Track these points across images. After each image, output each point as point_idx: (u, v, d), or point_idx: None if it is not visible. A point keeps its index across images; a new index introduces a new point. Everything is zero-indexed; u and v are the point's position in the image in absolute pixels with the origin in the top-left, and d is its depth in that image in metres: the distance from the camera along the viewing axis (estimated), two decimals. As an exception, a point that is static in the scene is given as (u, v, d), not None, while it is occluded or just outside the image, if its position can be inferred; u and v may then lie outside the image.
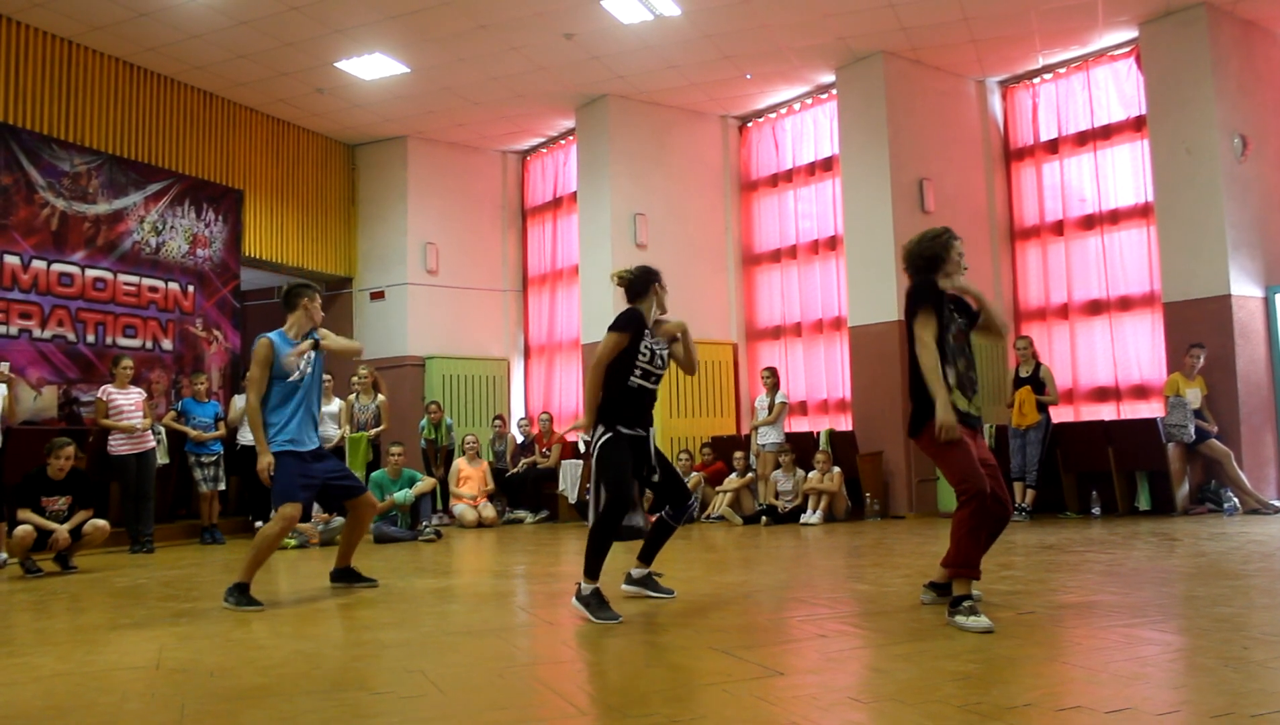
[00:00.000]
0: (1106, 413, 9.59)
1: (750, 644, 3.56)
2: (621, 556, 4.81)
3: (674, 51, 9.83)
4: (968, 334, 4.10)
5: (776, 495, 9.40)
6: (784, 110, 11.46)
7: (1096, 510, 8.55)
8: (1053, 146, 10.29)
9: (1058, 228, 10.19)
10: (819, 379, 11.04)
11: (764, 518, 9.25)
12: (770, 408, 9.77)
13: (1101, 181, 9.86)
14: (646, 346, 4.39)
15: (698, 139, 11.63)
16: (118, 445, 7.94)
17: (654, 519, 4.69)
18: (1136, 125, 9.55)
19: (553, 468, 10.79)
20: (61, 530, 6.45)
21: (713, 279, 11.59)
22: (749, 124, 11.90)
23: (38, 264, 8.81)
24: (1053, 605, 4.12)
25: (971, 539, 3.80)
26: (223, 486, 8.90)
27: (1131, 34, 9.39)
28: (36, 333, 8.73)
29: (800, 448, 9.70)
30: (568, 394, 12.26)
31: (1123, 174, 9.71)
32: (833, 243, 10.89)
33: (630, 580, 4.70)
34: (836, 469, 9.25)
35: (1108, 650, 3.21)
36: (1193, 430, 8.22)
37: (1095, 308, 9.84)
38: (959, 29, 9.29)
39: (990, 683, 2.83)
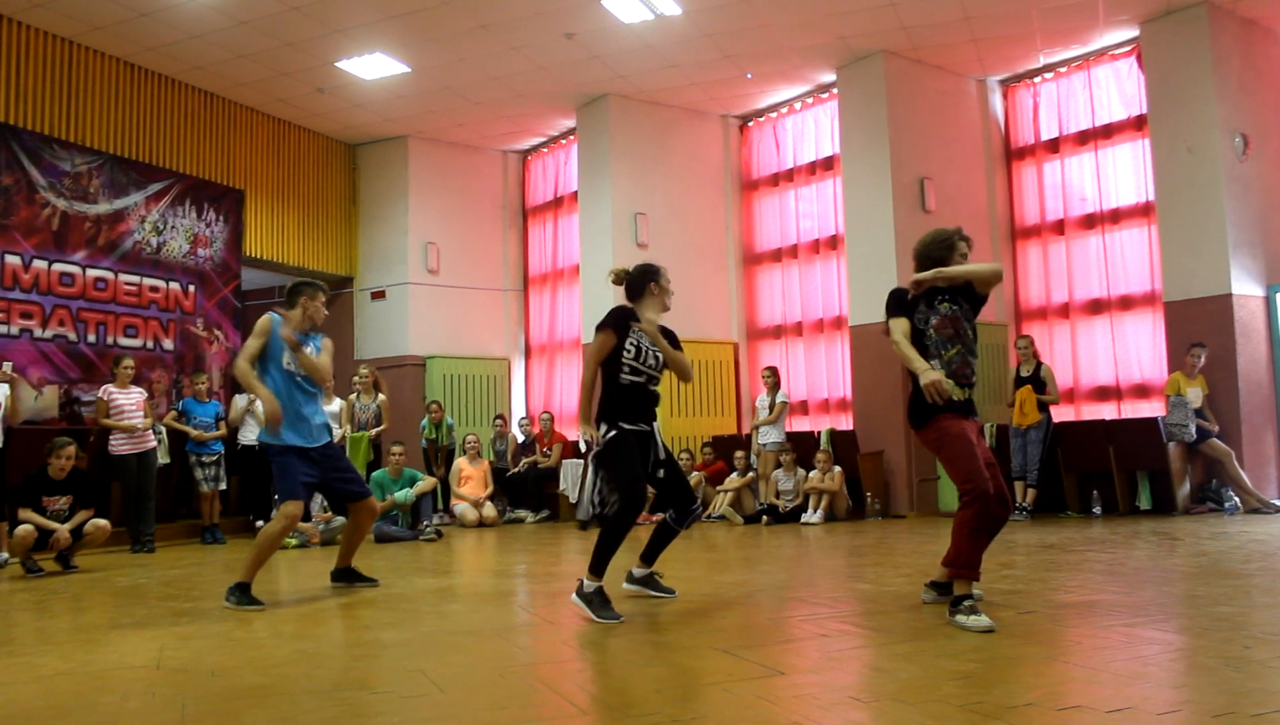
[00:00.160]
0: (1107, 412, 9.59)
1: (751, 643, 3.55)
2: (623, 556, 4.80)
3: (675, 51, 9.83)
4: (964, 321, 4.04)
5: (777, 495, 9.40)
6: (785, 110, 11.46)
7: (1097, 509, 8.54)
8: (1054, 146, 10.29)
9: (1059, 227, 10.18)
10: (820, 378, 11.03)
11: (765, 517, 9.25)
12: (771, 407, 9.77)
13: (1102, 181, 9.85)
14: (633, 343, 4.35)
15: (698, 138, 11.63)
16: (119, 445, 7.94)
17: (657, 520, 4.66)
18: (1137, 124, 9.55)
19: (554, 467, 10.80)
20: (62, 530, 6.45)
21: (713, 278, 11.58)
22: (750, 123, 11.89)
23: (39, 264, 8.81)
24: (1053, 605, 4.12)
25: (972, 540, 3.80)
26: (224, 486, 8.91)
27: (1132, 33, 9.38)
28: (37, 332, 8.74)
29: (801, 447, 9.70)
30: (568, 393, 12.26)
31: (1124, 173, 9.70)
32: (833, 242, 10.89)
33: (631, 579, 4.70)
34: (837, 468, 9.25)
35: (1108, 650, 3.21)
36: (1194, 429, 8.22)
37: (1096, 307, 9.84)
38: (960, 28, 9.29)
39: (991, 682, 2.83)
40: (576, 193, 11.74)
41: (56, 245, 8.98)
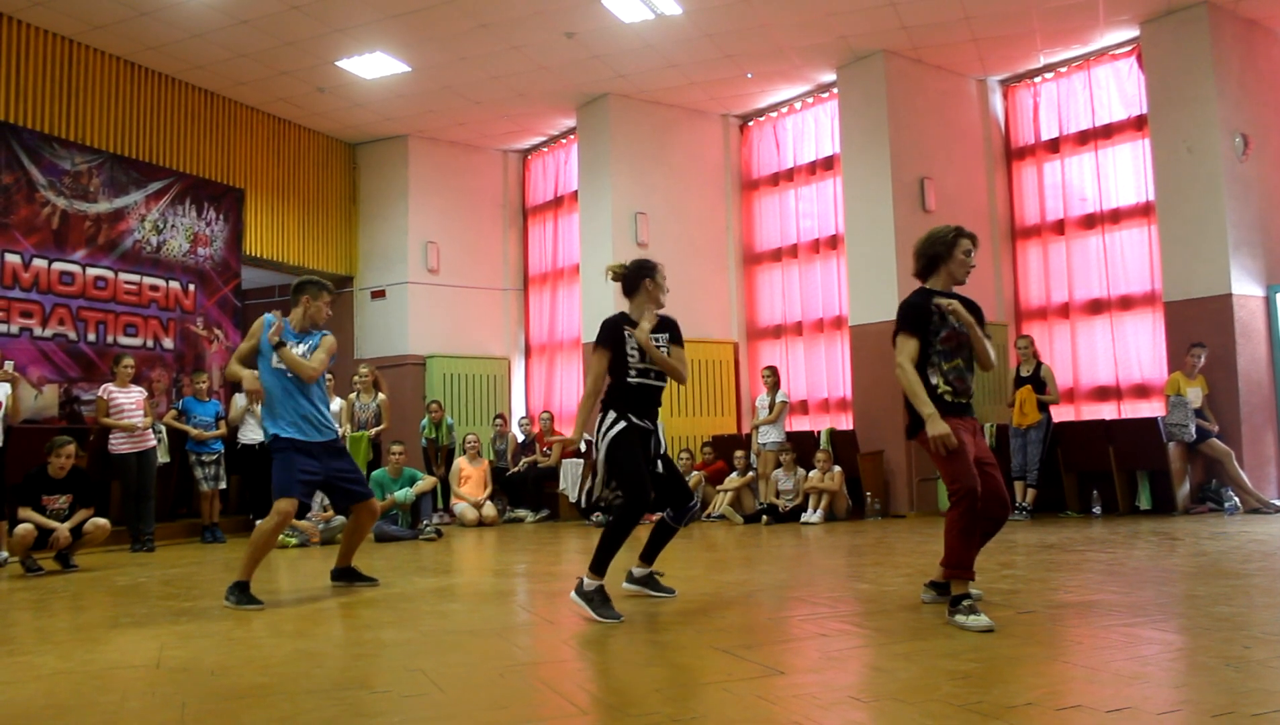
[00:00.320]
0: (1107, 412, 9.59)
1: (751, 643, 3.55)
2: (623, 555, 4.80)
3: (675, 50, 9.83)
4: (962, 339, 4.04)
5: (777, 494, 9.40)
6: (785, 109, 11.46)
7: (1097, 509, 8.54)
8: (1054, 145, 10.29)
9: (1059, 227, 10.18)
10: (819, 378, 11.03)
11: (765, 517, 9.25)
12: (771, 407, 9.78)
13: (1102, 180, 9.85)
14: (634, 348, 4.34)
15: (699, 138, 11.62)
16: (118, 444, 7.94)
17: (655, 519, 4.66)
18: (1138, 124, 9.55)
19: (553, 467, 10.77)
20: (62, 529, 6.45)
21: (713, 278, 11.58)
22: (750, 123, 11.89)
23: (39, 263, 8.81)
24: (1053, 604, 4.12)
25: (962, 540, 3.79)
26: (223, 485, 8.91)
27: (1133, 33, 9.38)
28: (37, 331, 8.73)
29: (801, 447, 9.70)
30: (568, 393, 12.26)
31: (1124, 173, 9.70)
32: (833, 242, 10.89)
33: (631, 579, 4.70)
34: (837, 468, 9.25)
35: (1108, 649, 3.21)
36: (1194, 429, 8.22)
37: (1096, 307, 9.84)
38: (960, 28, 9.29)
39: (991, 682, 2.83)
40: (577, 192, 11.74)
41: (56, 244, 8.98)
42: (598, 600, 4.08)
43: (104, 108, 9.58)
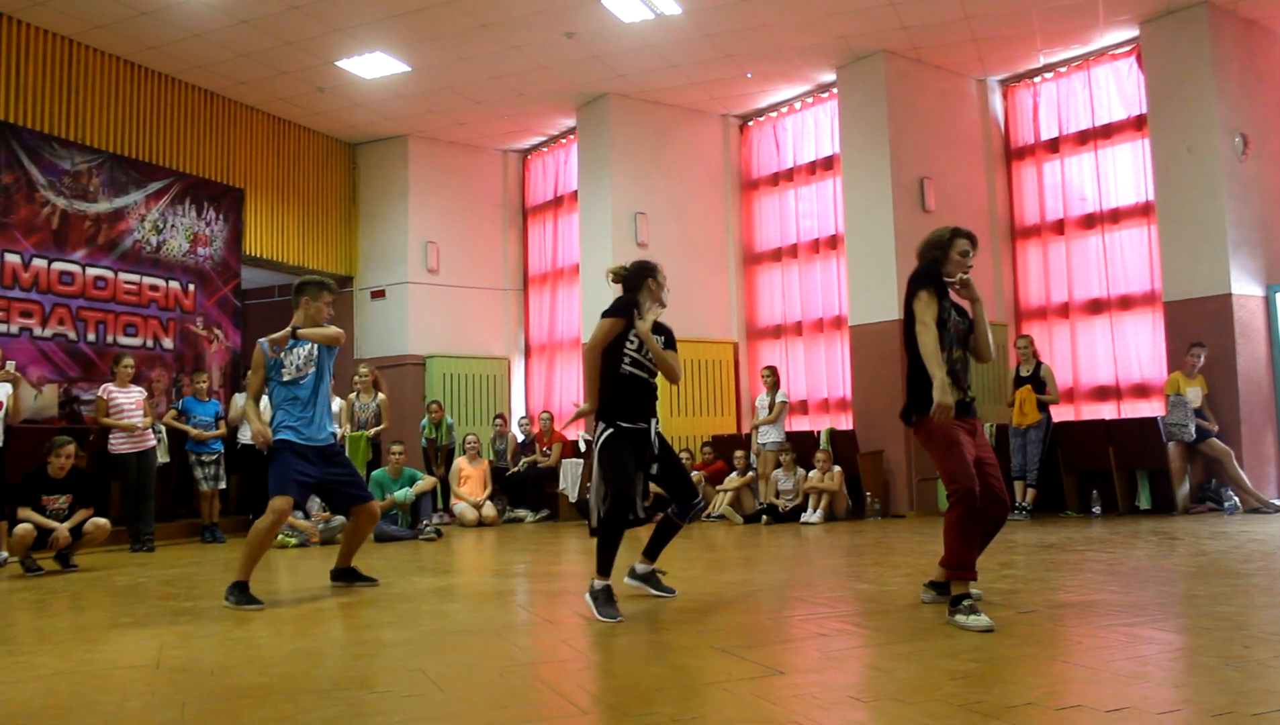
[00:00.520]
0: (1107, 412, 9.59)
1: (751, 643, 3.55)
2: (625, 555, 4.80)
3: (675, 50, 9.83)
4: (966, 333, 4.07)
5: (777, 494, 9.40)
6: (785, 109, 11.46)
7: (1097, 509, 8.54)
8: (1053, 145, 10.29)
9: (1058, 227, 10.18)
10: (819, 378, 11.03)
11: (764, 517, 9.25)
12: (771, 407, 9.77)
13: (1102, 180, 9.85)
14: (633, 335, 4.38)
15: (698, 138, 11.63)
16: (118, 444, 7.94)
17: (659, 517, 4.67)
18: (1137, 124, 9.55)
19: (553, 467, 10.79)
20: (62, 529, 6.45)
21: (713, 278, 11.58)
22: (750, 123, 11.89)
23: (38, 262, 8.81)
24: (1053, 604, 4.12)
25: (962, 540, 3.79)
26: (223, 485, 8.91)
27: (1132, 33, 9.38)
28: (37, 331, 8.73)
29: (801, 447, 9.70)
30: (568, 393, 12.26)
31: (1123, 173, 9.70)
32: (833, 242, 10.89)
33: (633, 574, 4.71)
34: (837, 468, 9.25)
35: (1108, 649, 3.21)
36: (1193, 429, 8.22)
37: (1096, 307, 9.84)
38: (960, 28, 9.29)
39: (991, 681, 2.83)
40: (576, 192, 11.74)
41: (56, 244, 8.98)
42: (601, 599, 4.10)
43: (104, 107, 9.58)
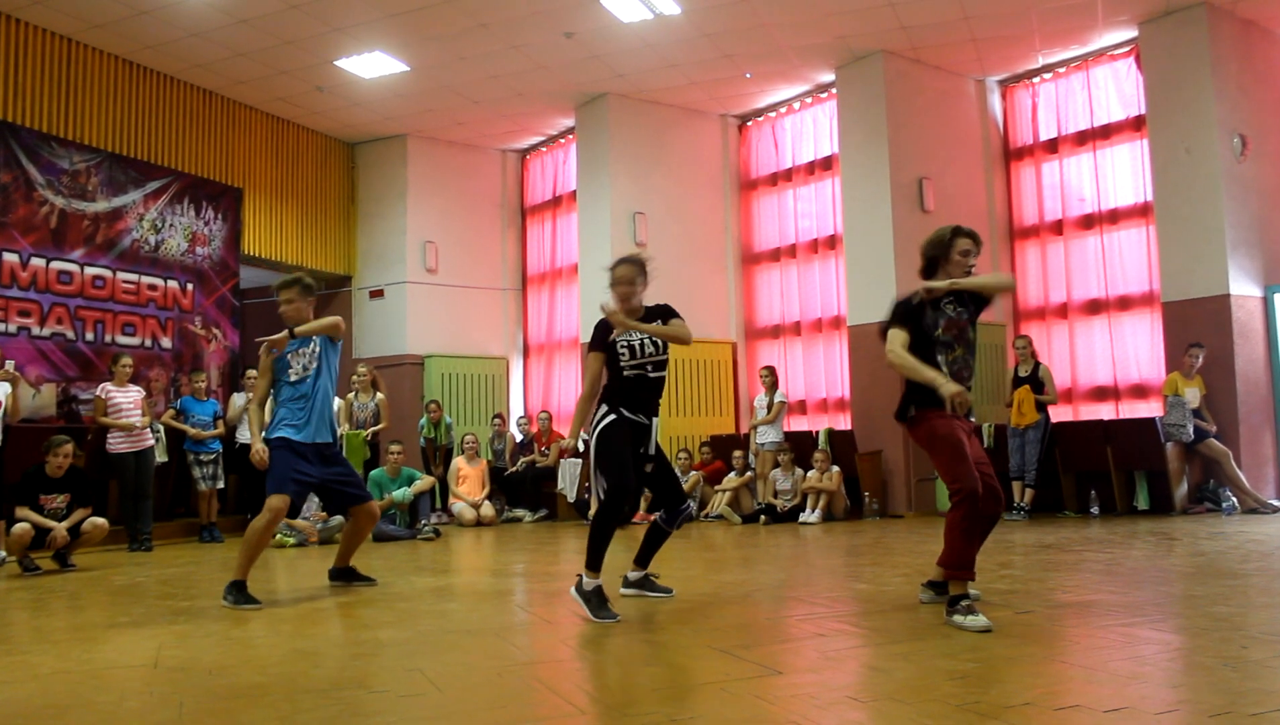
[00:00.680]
0: (1105, 412, 9.59)
1: (749, 643, 3.55)
2: (621, 556, 4.81)
3: (674, 50, 9.83)
4: (968, 325, 4.06)
5: (775, 494, 9.40)
6: (784, 109, 11.46)
7: (1095, 510, 8.55)
8: (1052, 146, 10.29)
9: (1057, 227, 10.19)
10: (818, 378, 11.04)
11: (763, 517, 9.25)
12: (769, 407, 9.77)
13: (1101, 181, 9.86)
14: (624, 346, 4.36)
15: (697, 138, 11.63)
16: (116, 443, 7.93)
17: (650, 520, 4.66)
18: (1136, 125, 9.56)
19: (552, 466, 10.77)
20: (60, 528, 6.44)
21: (712, 278, 11.58)
22: (749, 123, 11.89)
23: (37, 262, 8.80)
24: (1051, 604, 4.12)
25: (964, 540, 3.80)
26: (221, 484, 8.90)
27: (1131, 33, 9.39)
28: (35, 330, 8.72)
29: (799, 447, 9.70)
30: (567, 393, 12.26)
31: (1122, 173, 9.71)
32: (832, 242, 10.90)
33: (628, 583, 4.69)
34: (835, 468, 9.25)
35: (1106, 649, 3.21)
36: (1191, 430, 8.23)
37: (1094, 307, 9.85)
38: (959, 28, 9.29)
39: (988, 682, 2.83)
40: (575, 192, 11.74)
41: (54, 243, 8.97)
42: (595, 601, 4.07)
43: (102, 107, 9.57)
